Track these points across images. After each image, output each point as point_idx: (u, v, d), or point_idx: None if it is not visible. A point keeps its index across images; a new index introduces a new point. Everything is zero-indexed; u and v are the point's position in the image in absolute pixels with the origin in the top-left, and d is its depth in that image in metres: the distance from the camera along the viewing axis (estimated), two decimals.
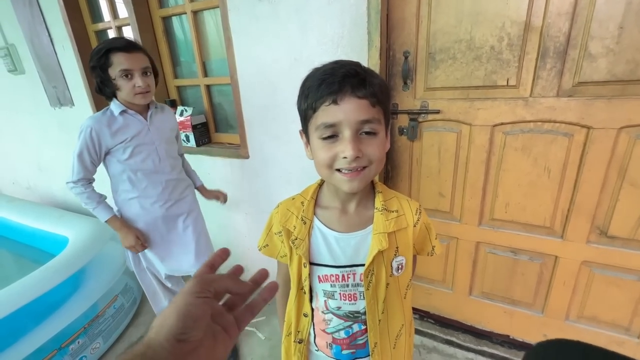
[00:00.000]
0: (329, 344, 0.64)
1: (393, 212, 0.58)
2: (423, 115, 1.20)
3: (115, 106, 1.10)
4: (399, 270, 0.58)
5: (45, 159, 2.61)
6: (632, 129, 0.95)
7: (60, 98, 2.13)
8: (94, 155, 1.10)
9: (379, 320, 0.60)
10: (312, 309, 0.63)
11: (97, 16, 1.87)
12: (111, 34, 1.85)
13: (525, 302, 1.27)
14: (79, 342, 1.32)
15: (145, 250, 1.25)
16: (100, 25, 1.84)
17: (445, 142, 1.20)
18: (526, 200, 1.14)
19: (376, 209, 0.58)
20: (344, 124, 0.49)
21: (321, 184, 0.63)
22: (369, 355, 0.62)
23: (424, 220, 0.61)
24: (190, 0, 1.50)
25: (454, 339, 1.38)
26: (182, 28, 1.65)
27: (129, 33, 1.76)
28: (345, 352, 0.64)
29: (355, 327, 0.62)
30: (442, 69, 1.13)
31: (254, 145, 1.51)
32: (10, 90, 2.41)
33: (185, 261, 1.32)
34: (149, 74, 1.09)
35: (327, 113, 0.50)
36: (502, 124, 1.09)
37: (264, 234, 0.66)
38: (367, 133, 0.51)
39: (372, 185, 0.62)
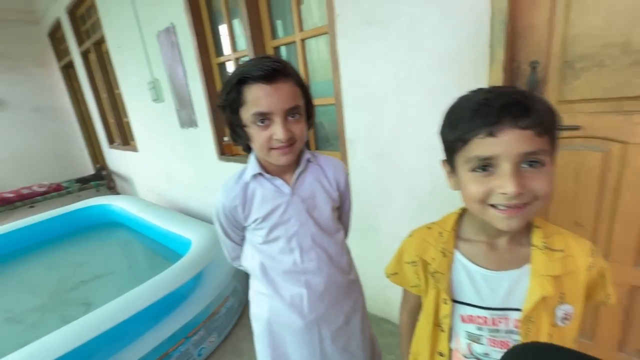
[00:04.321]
0: None
1: (558, 251, 0.50)
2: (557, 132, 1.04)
3: (250, 166, 0.75)
4: (565, 321, 0.50)
5: (172, 171, 3.14)
6: None
7: (188, 121, 2.55)
8: (238, 232, 0.82)
9: None
10: (450, 350, 0.58)
11: (219, 50, 2.18)
12: (230, 66, 2.14)
13: None
14: (200, 334, 1.52)
15: None
16: (222, 58, 2.15)
17: (585, 162, 1.02)
18: None
19: (534, 246, 0.51)
20: (503, 157, 0.44)
21: (461, 214, 0.59)
22: None
23: (601, 264, 0.51)
24: (300, 30, 1.63)
25: None
26: (289, 54, 1.81)
27: None
28: None
29: None
30: (584, 79, 0.97)
31: (354, 162, 1.53)
32: (152, 115, 2.98)
33: None
34: (297, 116, 0.67)
35: (482, 146, 0.45)
36: None
37: (393, 261, 0.65)
38: (532, 165, 0.44)
39: None
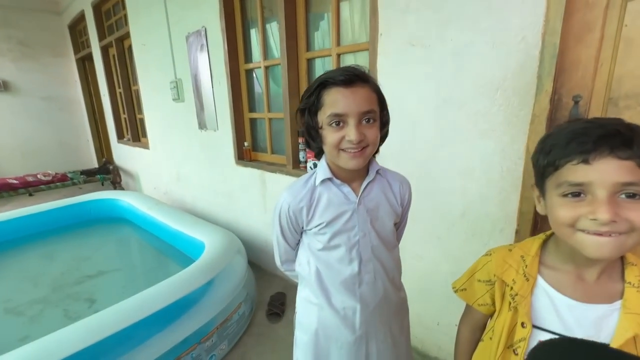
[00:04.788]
0: None
1: None
2: None
3: (320, 170, 0.75)
4: None
5: (184, 171, 3.12)
6: None
7: (208, 123, 2.55)
8: (295, 235, 0.82)
9: None
10: None
11: (249, 57, 2.21)
12: (259, 73, 2.17)
13: None
14: (212, 340, 1.48)
15: None
16: (251, 65, 2.18)
17: None
18: None
19: (628, 283, 0.50)
20: (597, 184, 0.44)
21: (545, 240, 0.59)
22: None
23: None
24: (337, 44, 1.66)
25: None
26: (324, 68, 1.83)
27: (277, 73, 2.04)
28: None
29: None
30: (627, 117, 0.99)
31: None
32: (171, 114, 2.99)
33: None
34: (371, 121, 0.67)
35: (574, 172, 0.46)
36: None
37: (464, 277, 0.65)
38: (631, 197, 0.44)
39: None
